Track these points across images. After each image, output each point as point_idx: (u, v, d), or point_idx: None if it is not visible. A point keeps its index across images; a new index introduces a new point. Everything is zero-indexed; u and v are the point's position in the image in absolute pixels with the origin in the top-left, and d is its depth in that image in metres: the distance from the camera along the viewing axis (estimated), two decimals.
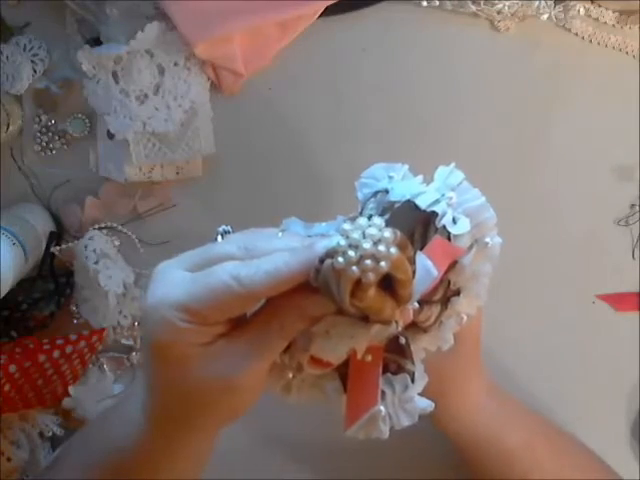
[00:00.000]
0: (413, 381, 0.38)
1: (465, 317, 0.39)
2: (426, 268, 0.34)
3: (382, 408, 0.36)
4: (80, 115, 0.61)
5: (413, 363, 0.38)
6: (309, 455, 0.64)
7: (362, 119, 0.62)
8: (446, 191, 0.38)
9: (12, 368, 0.57)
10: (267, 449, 0.64)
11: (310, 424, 0.61)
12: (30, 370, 0.58)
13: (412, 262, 0.32)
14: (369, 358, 0.36)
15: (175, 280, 0.35)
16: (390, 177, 0.40)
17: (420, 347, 0.40)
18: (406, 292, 0.32)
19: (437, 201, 0.37)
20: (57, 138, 0.61)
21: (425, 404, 0.39)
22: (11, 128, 0.60)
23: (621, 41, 0.61)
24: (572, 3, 0.60)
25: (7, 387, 0.57)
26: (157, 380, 0.37)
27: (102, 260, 0.59)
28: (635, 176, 0.62)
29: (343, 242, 0.30)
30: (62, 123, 0.61)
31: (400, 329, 0.34)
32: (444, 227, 0.36)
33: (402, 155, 0.61)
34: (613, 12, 0.60)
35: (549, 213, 0.63)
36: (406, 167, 0.41)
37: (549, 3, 0.60)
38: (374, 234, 0.30)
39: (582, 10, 0.60)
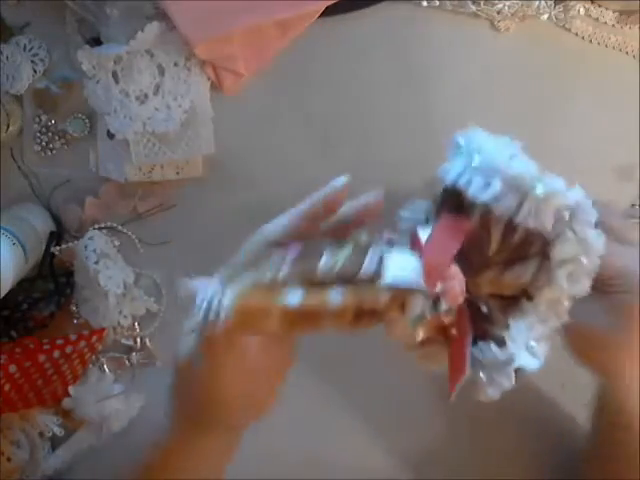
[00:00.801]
0: (504, 345, 0.39)
1: (584, 260, 0.38)
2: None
3: (480, 375, 0.39)
4: (80, 115, 0.61)
5: (500, 328, 0.39)
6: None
7: (362, 119, 0.62)
8: (471, 157, 0.38)
9: (12, 368, 0.57)
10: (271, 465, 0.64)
11: (313, 441, 0.62)
12: (30, 370, 0.58)
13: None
14: (454, 332, 0.38)
15: None
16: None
17: (543, 304, 0.39)
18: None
19: (461, 174, 0.37)
20: (57, 138, 0.61)
21: (523, 365, 0.39)
22: (11, 128, 0.60)
23: (621, 41, 0.61)
24: (572, 3, 0.60)
25: (7, 387, 0.57)
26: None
27: (102, 260, 0.59)
28: (635, 176, 0.62)
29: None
30: (62, 123, 0.61)
31: (446, 307, 0.35)
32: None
33: (402, 154, 0.61)
34: (613, 12, 0.60)
35: None
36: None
37: (549, 3, 0.60)
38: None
39: (582, 10, 0.60)
